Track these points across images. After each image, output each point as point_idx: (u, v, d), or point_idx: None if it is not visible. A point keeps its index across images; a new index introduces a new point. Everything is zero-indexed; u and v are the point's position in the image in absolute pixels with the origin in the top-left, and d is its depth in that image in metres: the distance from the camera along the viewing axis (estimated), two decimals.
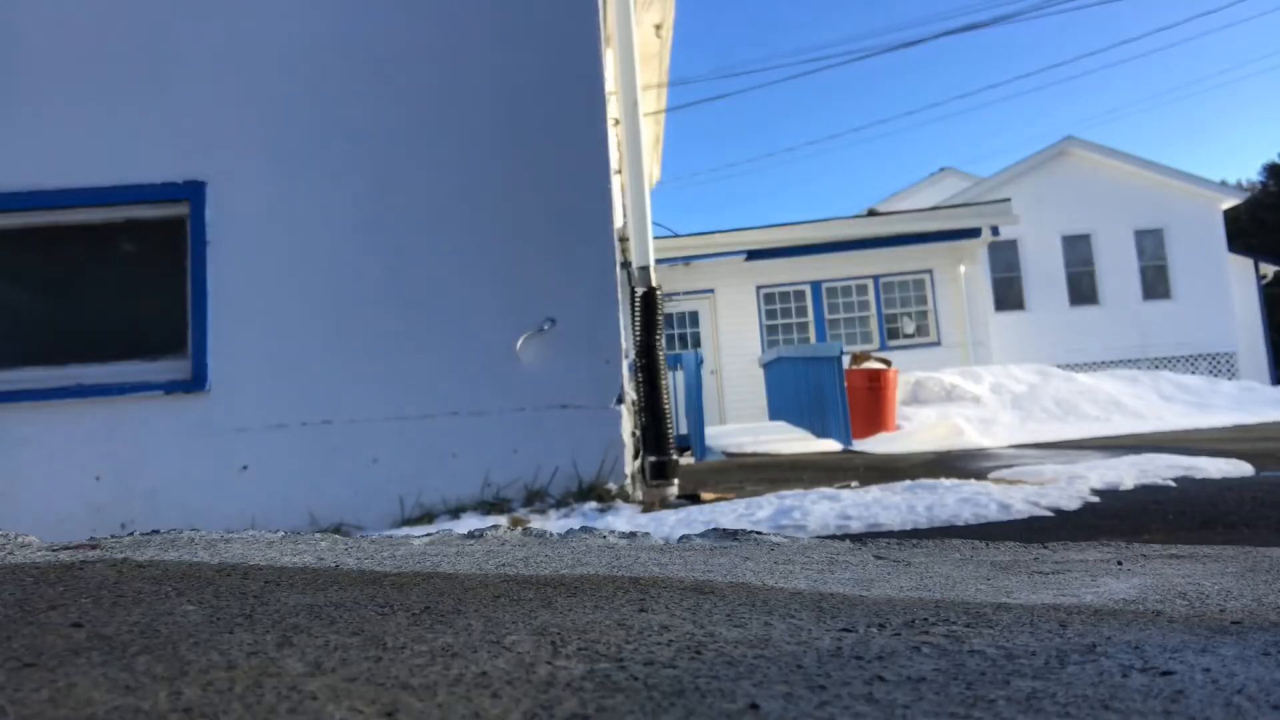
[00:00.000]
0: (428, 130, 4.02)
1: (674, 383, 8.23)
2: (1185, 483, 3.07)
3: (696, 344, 14.41)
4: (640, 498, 3.81)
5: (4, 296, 4.10)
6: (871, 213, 16.18)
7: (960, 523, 2.61)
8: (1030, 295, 17.24)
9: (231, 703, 0.54)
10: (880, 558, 1.22)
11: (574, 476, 3.76)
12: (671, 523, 2.82)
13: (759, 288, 14.23)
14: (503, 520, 3.43)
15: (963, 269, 14.63)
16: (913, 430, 8.31)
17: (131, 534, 1.36)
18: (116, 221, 4.07)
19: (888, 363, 9.31)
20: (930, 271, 14.46)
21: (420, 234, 3.96)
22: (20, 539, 1.30)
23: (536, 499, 3.70)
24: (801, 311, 14.24)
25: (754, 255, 13.84)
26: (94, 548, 1.23)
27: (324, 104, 4.05)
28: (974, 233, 13.90)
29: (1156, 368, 16.14)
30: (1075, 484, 3.05)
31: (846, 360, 8.64)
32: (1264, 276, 19.40)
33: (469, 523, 3.45)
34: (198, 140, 4.02)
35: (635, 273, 4.37)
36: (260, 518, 3.78)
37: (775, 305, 14.33)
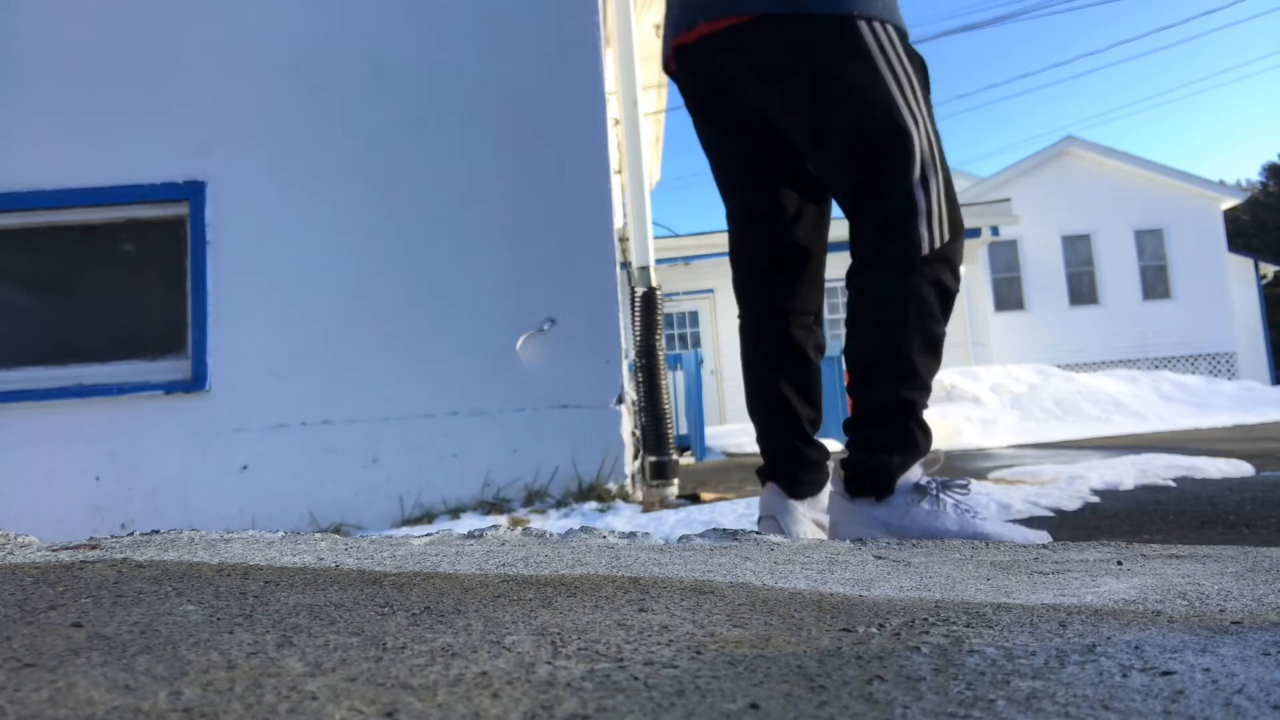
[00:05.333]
0: (427, 130, 4.02)
1: (674, 383, 8.22)
2: (1185, 483, 3.07)
3: (696, 344, 14.40)
4: (640, 498, 3.81)
5: (4, 296, 4.10)
6: None
7: None
8: (1030, 295, 17.23)
9: (231, 703, 0.54)
10: (880, 557, 1.22)
11: (574, 476, 3.76)
12: (671, 523, 2.82)
13: None
14: (503, 520, 3.43)
15: (962, 269, 14.60)
16: None
17: (131, 534, 1.36)
18: (116, 221, 4.08)
19: None
20: None
21: (420, 234, 3.96)
22: (20, 539, 1.30)
23: (536, 499, 3.70)
24: None
25: None
26: (94, 548, 1.23)
27: (324, 104, 4.05)
28: (974, 233, 13.88)
29: (1156, 368, 16.13)
30: (1075, 484, 3.05)
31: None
32: (1264, 276, 19.40)
33: (469, 523, 3.45)
34: (198, 140, 4.02)
35: (635, 273, 4.37)
36: (260, 518, 3.78)
37: None
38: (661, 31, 1.94)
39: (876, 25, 1.66)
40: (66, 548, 1.22)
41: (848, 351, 1.73)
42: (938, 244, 1.66)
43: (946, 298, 1.69)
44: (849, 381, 1.74)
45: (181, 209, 4.03)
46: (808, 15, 1.65)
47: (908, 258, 1.64)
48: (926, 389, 1.69)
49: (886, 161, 1.65)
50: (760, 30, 1.69)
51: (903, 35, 1.72)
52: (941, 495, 1.64)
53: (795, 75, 1.69)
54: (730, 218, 1.96)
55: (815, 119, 1.72)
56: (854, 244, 1.73)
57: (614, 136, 4.74)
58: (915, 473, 1.67)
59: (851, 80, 1.66)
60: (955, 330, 14.50)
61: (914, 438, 1.67)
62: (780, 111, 1.77)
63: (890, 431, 1.66)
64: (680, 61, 1.89)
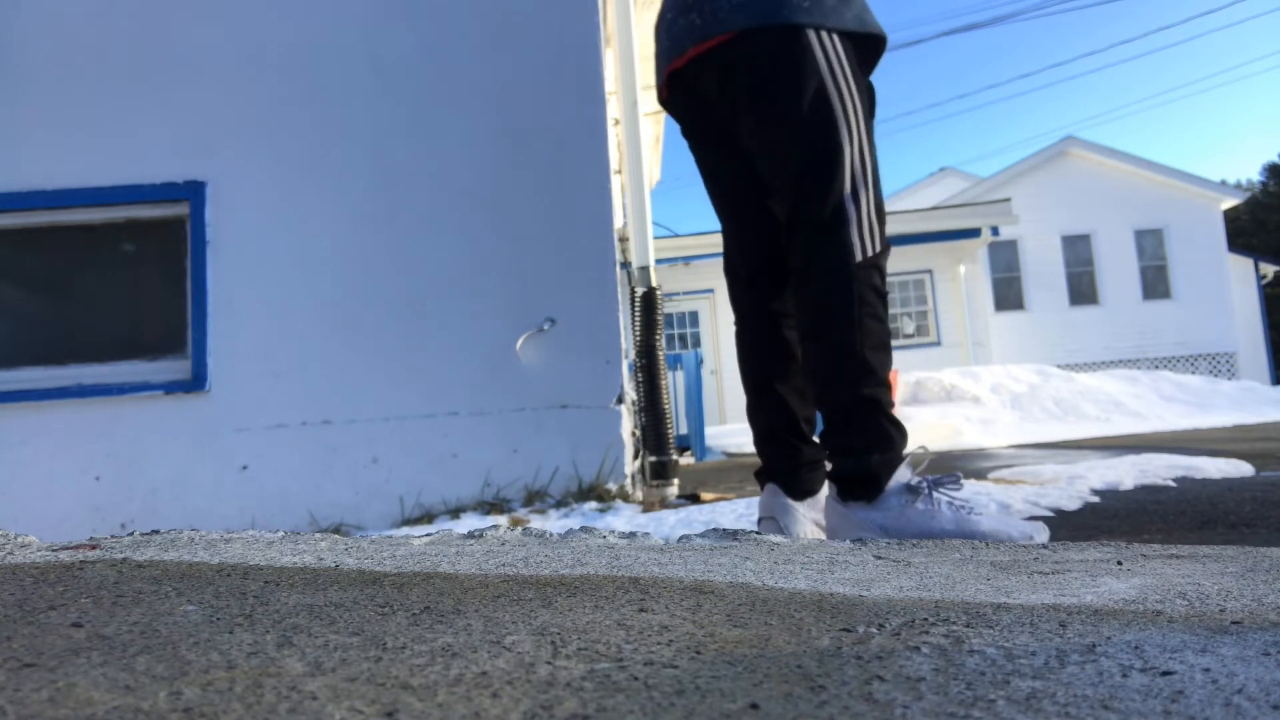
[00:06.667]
0: (428, 130, 4.02)
1: (674, 383, 8.22)
2: (1185, 483, 3.07)
3: (696, 344, 14.39)
4: (640, 498, 3.81)
5: (4, 296, 4.10)
6: None
7: None
8: (1030, 295, 17.22)
9: (231, 703, 0.54)
10: (880, 557, 1.22)
11: (574, 476, 3.76)
12: (671, 523, 2.82)
13: None
14: (503, 520, 3.43)
15: (962, 269, 14.60)
16: (912, 430, 8.29)
17: (131, 534, 1.36)
18: (116, 221, 4.08)
19: None
20: (930, 271, 14.44)
21: (420, 234, 3.96)
22: (20, 539, 1.30)
23: (536, 499, 3.70)
24: None
25: None
26: (94, 548, 1.23)
27: (324, 105, 4.06)
28: (974, 233, 13.87)
29: (1156, 368, 16.13)
30: (1075, 484, 3.05)
31: None
32: (1264, 276, 19.39)
33: (469, 523, 3.45)
34: (198, 141, 4.02)
35: (635, 273, 4.37)
36: (260, 518, 3.78)
37: None
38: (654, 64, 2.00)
39: (824, 36, 1.72)
40: (66, 548, 1.22)
41: (804, 364, 1.79)
42: (869, 253, 1.73)
43: (883, 299, 1.76)
44: (812, 396, 1.79)
45: (181, 209, 4.03)
46: (769, 28, 1.72)
47: (844, 264, 1.70)
48: (886, 385, 1.73)
49: (820, 172, 1.72)
50: (735, 46, 1.76)
51: (865, 44, 1.78)
52: (935, 494, 1.66)
53: (750, 89, 1.78)
54: (725, 233, 2.04)
55: (764, 130, 1.79)
56: (791, 255, 1.79)
57: (614, 136, 4.74)
58: (904, 474, 1.69)
59: (793, 92, 1.72)
60: (955, 330, 14.50)
61: (887, 433, 1.70)
62: (742, 124, 1.84)
63: (862, 432, 1.70)
64: (672, 90, 1.96)
